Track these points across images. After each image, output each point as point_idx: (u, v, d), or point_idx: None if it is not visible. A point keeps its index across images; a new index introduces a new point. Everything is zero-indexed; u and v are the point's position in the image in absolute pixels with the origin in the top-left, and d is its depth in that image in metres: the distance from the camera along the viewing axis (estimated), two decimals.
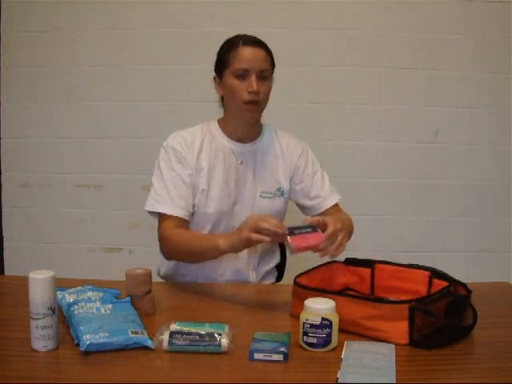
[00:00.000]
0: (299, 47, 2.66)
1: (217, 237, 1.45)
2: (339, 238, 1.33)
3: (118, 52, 2.68)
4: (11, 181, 2.78)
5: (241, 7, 2.63)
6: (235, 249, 1.38)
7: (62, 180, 2.77)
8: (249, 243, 1.32)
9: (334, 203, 1.72)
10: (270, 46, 1.61)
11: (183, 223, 1.58)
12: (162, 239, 1.57)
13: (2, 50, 2.69)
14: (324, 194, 1.72)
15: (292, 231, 1.29)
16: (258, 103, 1.56)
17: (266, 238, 1.29)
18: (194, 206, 1.61)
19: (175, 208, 1.56)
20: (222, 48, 1.62)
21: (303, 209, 1.75)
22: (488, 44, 2.65)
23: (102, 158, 2.75)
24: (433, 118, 2.70)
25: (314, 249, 1.30)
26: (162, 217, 1.58)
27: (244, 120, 1.61)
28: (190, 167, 1.59)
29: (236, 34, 1.62)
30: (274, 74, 1.64)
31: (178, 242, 1.52)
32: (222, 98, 1.67)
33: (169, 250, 1.57)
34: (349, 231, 1.51)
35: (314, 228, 1.33)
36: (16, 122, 2.74)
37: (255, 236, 1.28)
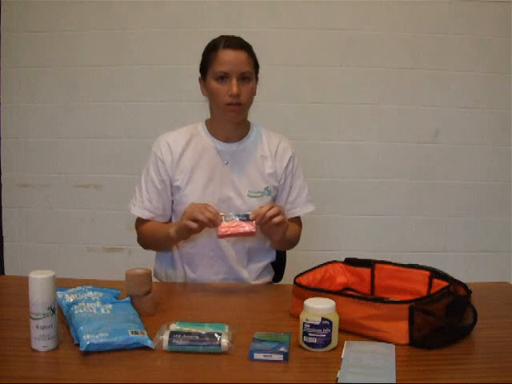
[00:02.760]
0: (299, 47, 2.65)
1: (169, 225, 1.60)
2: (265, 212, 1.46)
3: (117, 52, 2.69)
4: (11, 181, 2.78)
5: (240, 7, 2.63)
6: (181, 235, 1.53)
7: (61, 180, 2.77)
8: (189, 230, 1.47)
9: (305, 213, 1.76)
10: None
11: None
12: (137, 234, 1.73)
13: (2, 50, 2.69)
14: (299, 202, 1.74)
15: (226, 218, 1.45)
16: (240, 105, 1.57)
17: (195, 225, 1.43)
18: (172, 207, 1.69)
19: (142, 210, 1.67)
20: (204, 50, 1.63)
21: None
22: (488, 44, 2.65)
23: (101, 158, 2.75)
24: (433, 118, 2.70)
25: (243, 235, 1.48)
26: (137, 216, 1.72)
27: (228, 121, 1.63)
28: (165, 170, 1.65)
29: (221, 35, 1.61)
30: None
31: (145, 235, 1.69)
32: None
33: (142, 242, 1.73)
34: (287, 238, 1.64)
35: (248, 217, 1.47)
36: (16, 122, 2.75)
37: (189, 223, 1.44)
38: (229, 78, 1.55)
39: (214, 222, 1.43)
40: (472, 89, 2.68)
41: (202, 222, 1.43)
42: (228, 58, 1.55)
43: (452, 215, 2.75)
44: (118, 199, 2.75)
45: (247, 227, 1.45)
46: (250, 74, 1.59)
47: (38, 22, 2.68)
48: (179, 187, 1.65)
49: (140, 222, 1.70)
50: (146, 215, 1.67)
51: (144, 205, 1.67)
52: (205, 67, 1.61)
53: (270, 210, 1.46)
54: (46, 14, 2.67)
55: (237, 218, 1.46)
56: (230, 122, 1.63)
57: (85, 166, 2.77)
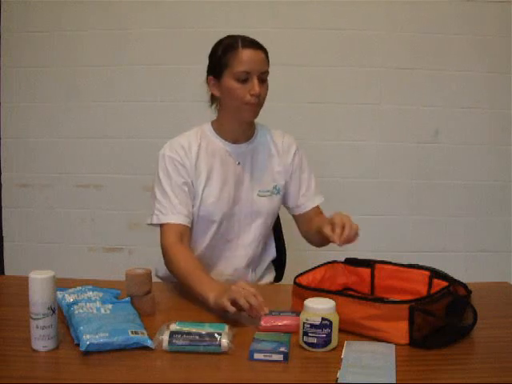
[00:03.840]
0: (299, 47, 2.65)
1: (210, 289, 1.35)
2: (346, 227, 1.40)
3: (117, 52, 2.68)
4: (11, 181, 2.78)
5: (241, 7, 2.62)
6: (218, 308, 1.30)
7: (62, 180, 2.77)
8: (225, 311, 1.27)
9: (316, 204, 1.75)
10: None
11: (185, 231, 1.57)
12: (165, 250, 1.54)
13: (2, 50, 2.69)
14: (309, 194, 1.75)
15: (271, 312, 1.25)
16: (258, 105, 1.57)
17: (232, 310, 1.24)
18: (193, 211, 1.62)
19: (178, 215, 1.56)
20: (217, 50, 1.59)
21: (287, 206, 1.76)
22: (488, 44, 2.65)
23: (101, 157, 2.75)
24: (433, 118, 2.70)
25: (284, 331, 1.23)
26: (164, 225, 1.56)
27: (243, 120, 1.62)
28: (187, 173, 1.61)
29: (229, 35, 1.60)
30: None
31: (178, 267, 1.49)
32: (212, 99, 1.67)
33: (169, 266, 1.54)
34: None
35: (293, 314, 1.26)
36: (16, 122, 2.74)
37: (227, 305, 1.24)
38: (250, 78, 1.54)
39: (255, 312, 1.24)
40: (472, 89, 2.68)
41: (242, 307, 1.25)
42: (249, 57, 1.54)
43: (452, 215, 2.75)
44: (118, 199, 2.76)
45: (291, 324, 1.22)
46: (267, 73, 1.59)
47: (37, 22, 2.67)
48: (197, 191, 1.62)
49: (170, 239, 1.53)
50: (181, 220, 1.56)
51: (177, 209, 1.56)
52: (220, 67, 1.57)
53: (352, 229, 1.41)
54: (46, 14, 2.67)
55: (282, 314, 1.27)
56: (245, 120, 1.62)
57: (85, 165, 2.76)
